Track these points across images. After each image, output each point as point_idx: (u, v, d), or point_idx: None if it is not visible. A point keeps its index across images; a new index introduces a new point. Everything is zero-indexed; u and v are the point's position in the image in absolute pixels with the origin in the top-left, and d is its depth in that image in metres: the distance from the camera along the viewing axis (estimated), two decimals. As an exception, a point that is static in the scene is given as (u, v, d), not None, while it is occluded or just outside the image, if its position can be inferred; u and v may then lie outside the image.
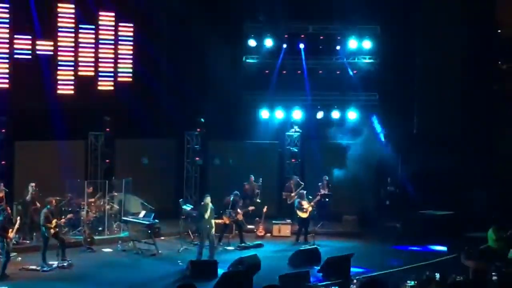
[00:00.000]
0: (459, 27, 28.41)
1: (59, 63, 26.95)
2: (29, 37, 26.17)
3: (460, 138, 27.88)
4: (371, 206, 27.84)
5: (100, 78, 27.73)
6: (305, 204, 25.31)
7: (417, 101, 28.48)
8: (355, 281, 17.68)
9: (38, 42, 26.29)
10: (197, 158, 27.28)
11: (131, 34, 28.31)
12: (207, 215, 22.31)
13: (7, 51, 25.79)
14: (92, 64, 27.70)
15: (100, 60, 27.88)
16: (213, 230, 22.68)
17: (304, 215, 25.32)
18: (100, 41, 27.85)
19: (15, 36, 25.93)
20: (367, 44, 28.75)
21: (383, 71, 28.74)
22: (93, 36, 27.64)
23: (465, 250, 21.48)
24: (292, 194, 26.82)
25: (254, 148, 28.72)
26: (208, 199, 22.55)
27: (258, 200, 26.36)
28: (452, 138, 27.82)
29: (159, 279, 20.57)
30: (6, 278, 19.97)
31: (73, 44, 27.20)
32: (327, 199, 26.91)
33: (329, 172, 27.46)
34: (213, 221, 22.64)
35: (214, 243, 22.74)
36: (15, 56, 26.03)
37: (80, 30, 27.25)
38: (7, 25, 25.63)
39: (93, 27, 27.50)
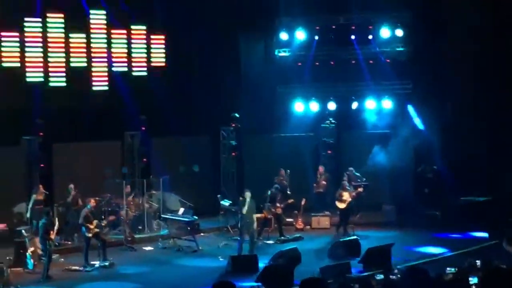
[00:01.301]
0: (492, 12, 28.15)
1: (93, 64, 27.29)
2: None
3: (494, 124, 27.69)
4: (409, 195, 27.77)
5: (133, 77, 27.92)
6: (345, 195, 25.31)
7: (451, 87, 28.25)
8: (395, 271, 17.70)
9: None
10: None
11: (164, 31, 28.52)
12: (244, 210, 22.41)
13: (41, 55, 26.21)
14: (125, 63, 27.95)
15: (133, 58, 28.13)
16: (255, 225, 22.75)
17: (341, 205, 25.34)
18: (132, 40, 28.11)
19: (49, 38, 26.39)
20: (400, 32, 28.58)
21: (417, 59, 28.56)
22: (125, 35, 27.92)
23: (507, 236, 21.36)
24: (314, 185, 26.89)
25: (290, 141, 28.76)
26: (247, 194, 22.61)
27: (288, 192, 26.39)
28: (486, 124, 27.63)
29: (201, 276, 20.66)
30: (50, 279, 20.29)
31: (105, 45, 27.55)
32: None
33: (366, 162, 27.43)
34: (254, 216, 22.69)
35: (254, 237, 22.81)
36: (49, 59, 26.44)
37: (112, 31, 27.60)
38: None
39: (124, 30, 27.85)
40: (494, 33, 28.17)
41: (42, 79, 26.26)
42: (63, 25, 26.61)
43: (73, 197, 24.18)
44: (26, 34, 26.00)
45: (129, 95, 27.05)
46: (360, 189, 26.03)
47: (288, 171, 26.97)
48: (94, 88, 27.22)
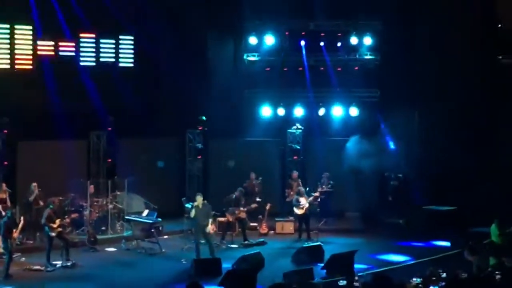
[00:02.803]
0: (460, 22, 28.39)
1: (59, 63, 27.13)
2: (30, 37, 26.43)
3: (460, 134, 27.91)
4: (374, 203, 27.90)
5: (100, 78, 27.71)
6: (302, 200, 25.32)
7: (418, 96, 28.41)
8: (356, 277, 17.74)
9: (38, 42, 26.56)
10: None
11: (132, 32, 28.44)
12: (192, 214, 22.35)
13: (8, 51, 26.03)
14: (93, 63, 27.82)
15: (101, 59, 28.01)
16: (207, 228, 22.54)
17: (300, 211, 25.35)
18: (101, 41, 27.99)
19: (16, 37, 26.18)
20: (368, 41, 28.77)
21: (385, 67, 28.73)
22: (94, 37, 27.81)
23: (468, 245, 21.51)
24: (292, 193, 26.81)
25: (256, 145, 28.83)
26: (197, 198, 22.50)
27: (258, 199, 26.40)
28: (452, 134, 27.83)
29: (163, 278, 20.64)
30: (10, 278, 20.06)
31: (73, 44, 27.42)
32: (324, 196, 26.82)
33: (331, 169, 27.52)
34: (207, 220, 22.49)
35: (211, 241, 22.54)
36: (16, 56, 26.24)
37: (81, 34, 27.56)
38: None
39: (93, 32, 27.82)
40: (462, 41, 28.42)
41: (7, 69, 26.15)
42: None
43: (36, 196, 24.02)
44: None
45: (96, 94, 26.91)
46: (316, 194, 26.06)
47: (260, 178, 26.95)
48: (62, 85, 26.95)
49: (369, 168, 27.08)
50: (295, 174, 27.65)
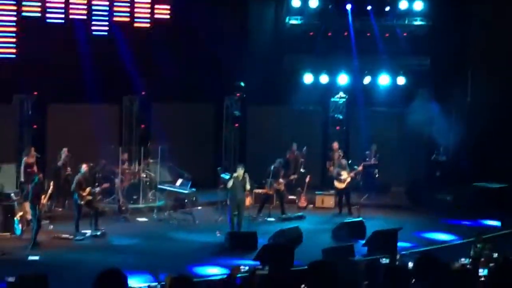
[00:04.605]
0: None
1: (93, 22, 27.18)
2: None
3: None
4: (420, 178, 27.73)
5: (134, 38, 27.69)
6: (344, 174, 25.25)
7: (471, 66, 28.09)
8: (398, 256, 17.73)
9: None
10: None
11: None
12: (229, 185, 22.41)
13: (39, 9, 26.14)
14: (128, 20, 27.85)
15: (136, 16, 28.02)
16: (244, 201, 22.79)
17: (340, 185, 25.32)
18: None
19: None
20: (419, 5, 28.45)
21: (436, 34, 28.40)
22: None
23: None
24: (332, 166, 26.62)
25: (296, 114, 28.74)
26: (238, 169, 22.57)
27: (302, 170, 26.29)
28: (508, 107, 27.49)
29: (196, 251, 20.77)
30: (38, 246, 20.24)
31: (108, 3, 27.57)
32: (373, 170, 26.83)
33: (376, 141, 27.41)
34: (243, 193, 22.66)
35: (242, 215, 22.53)
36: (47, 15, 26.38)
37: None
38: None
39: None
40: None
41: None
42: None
43: (64, 162, 24.13)
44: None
45: (129, 54, 26.89)
46: (360, 168, 25.97)
47: (305, 147, 26.84)
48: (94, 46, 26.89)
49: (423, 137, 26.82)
50: (335, 145, 27.44)
